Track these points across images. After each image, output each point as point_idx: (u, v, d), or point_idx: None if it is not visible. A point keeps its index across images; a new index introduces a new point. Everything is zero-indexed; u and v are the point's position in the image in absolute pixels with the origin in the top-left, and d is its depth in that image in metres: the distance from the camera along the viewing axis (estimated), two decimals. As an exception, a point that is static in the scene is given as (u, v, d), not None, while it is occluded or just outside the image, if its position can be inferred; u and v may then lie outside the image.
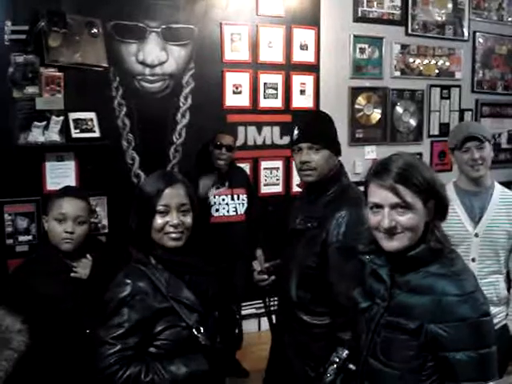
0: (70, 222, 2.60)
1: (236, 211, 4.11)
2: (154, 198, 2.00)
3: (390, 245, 1.72)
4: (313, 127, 2.51)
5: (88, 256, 2.68)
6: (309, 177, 2.43)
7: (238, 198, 4.11)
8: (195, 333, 1.96)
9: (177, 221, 2.00)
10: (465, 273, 1.70)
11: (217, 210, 4.07)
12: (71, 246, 2.61)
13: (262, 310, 3.14)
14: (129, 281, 1.95)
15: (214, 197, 4.05)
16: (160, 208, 2.01)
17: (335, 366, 1.92)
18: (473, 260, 2.80)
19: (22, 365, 1.93)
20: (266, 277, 2.63)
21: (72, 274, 2.60)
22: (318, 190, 2.46)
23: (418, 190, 1.69)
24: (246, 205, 4.14)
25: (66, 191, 2.80)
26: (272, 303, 2.81)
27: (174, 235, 2.01)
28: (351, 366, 1.89)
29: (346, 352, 1.93)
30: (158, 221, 2.00)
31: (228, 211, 4.09)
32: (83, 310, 2.50)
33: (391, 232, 1.70)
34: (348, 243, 2.23)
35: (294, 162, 2.56)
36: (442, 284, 1.64)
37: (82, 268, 2.63)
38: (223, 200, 4.08)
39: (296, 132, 2.48)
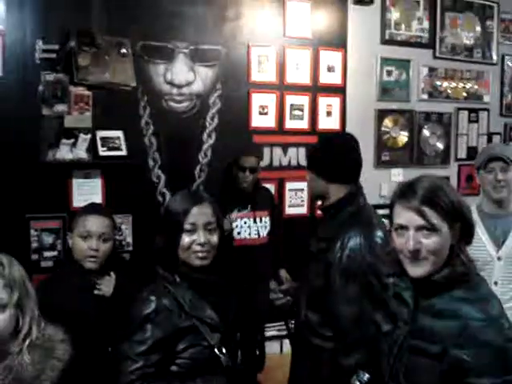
0: (95, 239, 2.61)
1: (258, 234, 4.08)
2: (182, 217, 2.01)
3: (414, 271, 1.70)
4: (312, 153, 2.60)
5: (112, 273, 2.69)
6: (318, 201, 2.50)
7: (261, 221, 4.07)
8: (217, 352, 1.95)
9: (204, 239, 2.01)
10: (490, 298, 1.66)
11: (238, 233, 4.05)
12: (95, 264, 2.62)
13: (285, 332, 3.12)
14: (153, 298, 1.95)
15: (236, 219, 4.04)
16: (187, 227, 2.01)
17: None
18: (495, 283, 2.76)
19: (67, 375, 1.95)
20: (281, 295, 2.62)
21: (95, 292, 2.61)
22: (331, 212, 2.46)
23: (444, 213, 1.66)
24: (268, 227, 4.10)
25: (91, 208, 2.82)
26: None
27: (200, 254, 2.01)
28: None
29: (368, 376, 1.90)
30: (185, 239, 2.01)
31: (250, 234, 4.06)
32: (106, 327, 2.50)
33: (416, 255, 1.67)
34: (351, 266, 2.23)
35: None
36: (466, 309, 1.61)
37: (106, 285, 2.64)
38: (245, 223, 4.06)
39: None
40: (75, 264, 2.66)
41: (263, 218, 4.08)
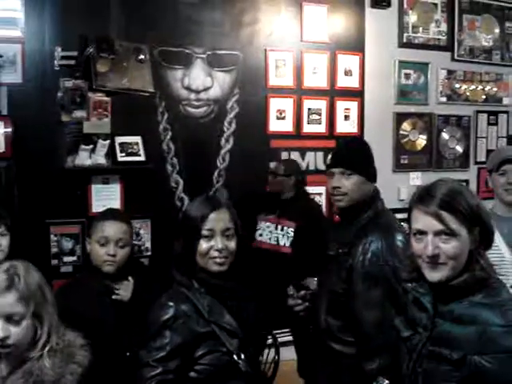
0: (112, 244, 2.62)
1: (277, 241, 4.05)
2: (199, 222, 2.01)
3: (432, 276, 1.68)
4: (345, 152, 2.50)
5: (130, 278, 2.69)
6: (340, 202, 2.41)
7: (282, 230, 4.04)
8: (236, 358, 1.95)
9: (221, 245, 2.00)
10: (510, 303, 1.64)
11: (260, 235, 4.08)
12: (113, 269, 2.63)
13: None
14: (172, 304, 1.95)
15: (261, 222, 4.07)
16: (205, 232, 2.01)
17: None
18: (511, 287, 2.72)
19: (86, 380, 1.95)
20: (299, 302, 2.60)
21: (113, 297, 2.62)
22: (350, 216, 2.44)
23: (462, 217, 1.64)
24: (291, 238, 4.02)
25: (108, 214, 2.82)
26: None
27: (218, 260, 2.01)
28: None
29: (387, 382, 1.89)
30: (203, 245, 2.01)
31: (270, 239, 4.06)
32: (124, 332, 2.50)
33: (434, 260, 1.66)
34: (373, 271, 2.22)
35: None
36: (486, 314, 1.59)
37: (124, 290, 2.64)
38: (268, 227, 4.08)
39: (330, 157, 2.50)
40: (94, 269, 2.67)
41: (285, 228, 4.03)
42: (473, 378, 1.57)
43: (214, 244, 2.01)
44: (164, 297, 2.01)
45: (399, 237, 2.28)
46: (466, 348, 1.58)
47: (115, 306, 2.59)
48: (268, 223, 4.07)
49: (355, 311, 2.27)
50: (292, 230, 4.03)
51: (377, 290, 2.22)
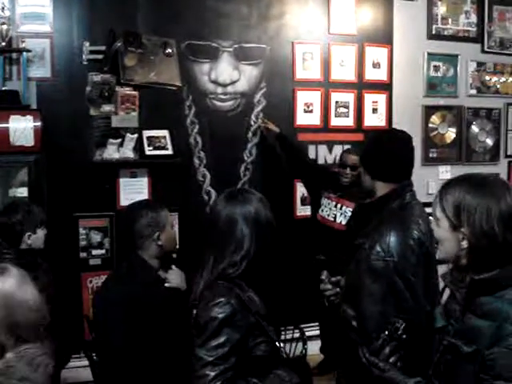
0: None
1: (335, 218, 4.10)
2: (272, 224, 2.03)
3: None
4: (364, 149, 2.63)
5: (173, 267, 2.71)
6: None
7: (341, 208, 4.09)
8: (278, 345, 1.97)
9: None
10: None
11: (322, 210, 4.18)
12: None
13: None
14: (227, 300, 1.90)
15: (324, 198, 4.16)
16: None
17: (387, 332, 1.86)
18: None
19: None
20: (330, 287, 2.60)
21: (167, 284, 2.62)
22: (371, 210, 2.46)
23: (444, 210, 1.68)
24: (347, 217, 4.05)
25: (157, 203, 2.84)
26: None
27: None
28: (404, 336, 1.85)
29: (402, 322, 1.88)
30: None
31: (328, 215, 4.13)
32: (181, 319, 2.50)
33: None
34: (377, 265, 2.22)
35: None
36: (508, 310, 1.56)
37: (175, 279, 2.65)
38: (328, 204, 4.14)
39: None
40: (142, 261, 2.66)
41: (344, 207, 4.08)
42: (484, 372, 1.55)
43: None
44: (214, 293, 1.94)
45: (414, 232, 2.26)
46: (479, 341, 1.57)
47: (171, 294, 2.59)
48: (329, 200, 4.14)
49: (359, 303, 2.29)
50: (350, 209, 4.04)
51: (378, 284, 2.22)
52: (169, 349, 2.48)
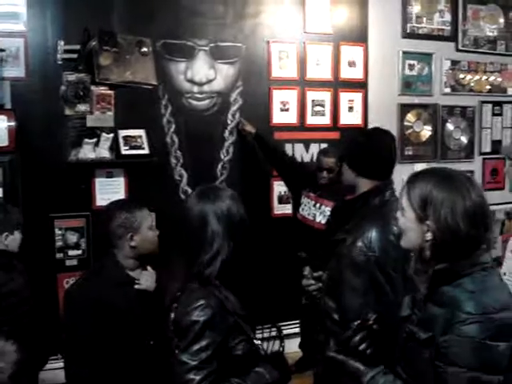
0: None
1: (314, 217, 4.12)
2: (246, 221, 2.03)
3: None
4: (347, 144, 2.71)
5: (149, 268, 2.71)
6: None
7: (320, 207, 4.11)
8: (256, 343, 1.98)
9: None
10: (493, 291, 1.64)
11: (302, 209, 4.21)
12: None
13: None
14: (206, 303, 1.89)
15: (304, 197, 4.19)
16: None
17: (358, 322, 1.89)
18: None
19: None
20: (313, 282, 2.64)
21: (136, 286, 2.61)
22: (353, 206, 2.50)
23: (410, 201, 1.72)
24: (327, 216, 4.03)
25: (135, 202, 2.81)
26: None
27: None
28: (375, 326, 1.87)
29: (372, 314, 1.91)
30: None
31: (308, 214, 4.15)
32: (148, 321, 2.50)
33: None
34: (358, 259, 2.28)
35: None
36: (461, 299, 1.60)
37: (146, 280, 2.65)
38: (308, 203, 4.17)
39: None
40: (115, 262, 2.66)
41: (323, 207, 4.10)
42: (438, 359, 1.60)
43: None
44: (194, 296, 1.92)
45: (394, 229, 2.29)
46: (433, 328, 1.62)
47: (139, 296, 2.59)
48: (308, 199, 4.17)
49: (340, 297, 2.34)
50: (329, 209, 4.05)
51: (360, 278, 2.28)
52: (135, 350, 2.47)
